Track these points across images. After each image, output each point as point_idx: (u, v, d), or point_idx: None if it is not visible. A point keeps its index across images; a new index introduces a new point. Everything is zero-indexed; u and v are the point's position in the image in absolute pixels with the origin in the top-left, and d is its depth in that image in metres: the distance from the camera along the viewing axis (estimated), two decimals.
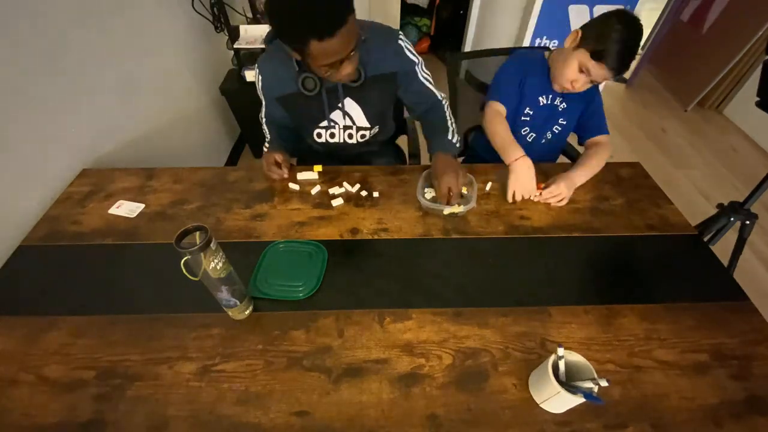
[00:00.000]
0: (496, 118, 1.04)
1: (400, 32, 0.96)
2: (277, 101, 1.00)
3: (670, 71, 3.06)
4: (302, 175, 1.00)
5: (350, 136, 1.07)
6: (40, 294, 0.76)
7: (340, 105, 0.99)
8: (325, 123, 1.04)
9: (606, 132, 1.07)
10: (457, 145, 1.00)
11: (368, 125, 1.05)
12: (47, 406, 0.60)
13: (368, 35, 0.87)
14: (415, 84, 1.01)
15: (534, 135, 1.14)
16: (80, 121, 1.10)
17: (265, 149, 1.06)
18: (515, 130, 1.10)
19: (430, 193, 0.95)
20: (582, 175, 0.98)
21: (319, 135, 1.07)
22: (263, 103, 1.05)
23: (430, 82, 1.04)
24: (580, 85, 0.96)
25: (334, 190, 0.97)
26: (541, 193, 0.94)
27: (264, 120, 1.09)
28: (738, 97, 2.66)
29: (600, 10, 2.33)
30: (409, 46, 0.96)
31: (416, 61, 0.98)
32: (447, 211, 0.89)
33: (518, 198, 0.95)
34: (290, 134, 1.10)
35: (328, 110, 1.00)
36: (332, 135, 1.07)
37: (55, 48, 1.01)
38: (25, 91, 0.94)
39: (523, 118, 1.11)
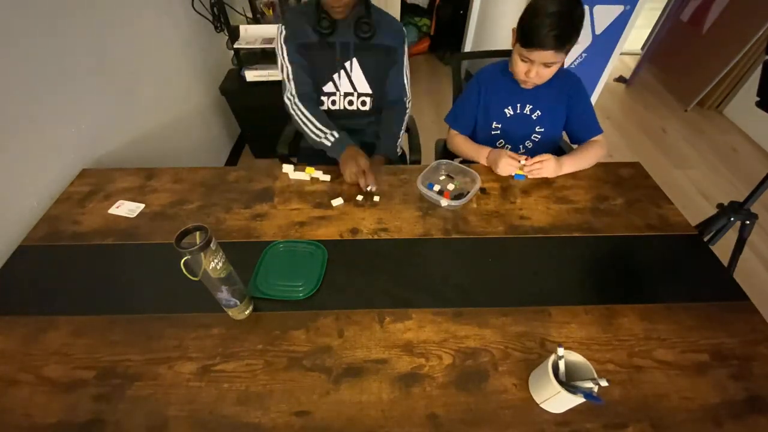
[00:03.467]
0: (454, 139, 1.16)
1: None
2: (299, 48, 1.08)
3: (670, 71, 3.06)
4: (294, 175, 1.01)
5: (350, 102, 1.17)
6: (40, 294, 0.76)
7: (347, 64, 1.10)
8: (327, 88, 1.14)
9: (599, 131, 1.06)
10: (398, 152, 1.19)
11: (369, 90, 1.15)
12: (47, 406, 0.60)
13: (379, 15, 1.08)
14: (399, 75, 1.16)
15: (509, 147, 1.15)
16: (80, 121, 1.10)
17: (327, 142, 1.05)
18: (492, 145, 1.12)
19: (437, 187, 0.98)
20: (569, 162, 1.00)
21: (322, 103, 1.16)
22: (288, 75, 1.10)
23: (407, 80, 1.19)
24: (534, 74, 0.94)
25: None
26: (528, 163, 0.97)
27: (297, 101, 1.10)
28: (738, 97, 2.65)
29: (600, 10, 2.32)
30: (407, 41, 1.13)
31: (406, 53, 1.15)
32: (444, 203, 0.91)
33: (507, 171, 0.99)
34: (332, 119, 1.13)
35: (338, 64, 1.10)
36: (333, 102, 1.17)
37: (55, 48, 1.01)
38: (24, 91, 0.94)
39: (493, 132, 1.13)
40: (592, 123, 1.07)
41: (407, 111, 1.22)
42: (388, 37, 1.10)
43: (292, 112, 1.12)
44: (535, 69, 0.93)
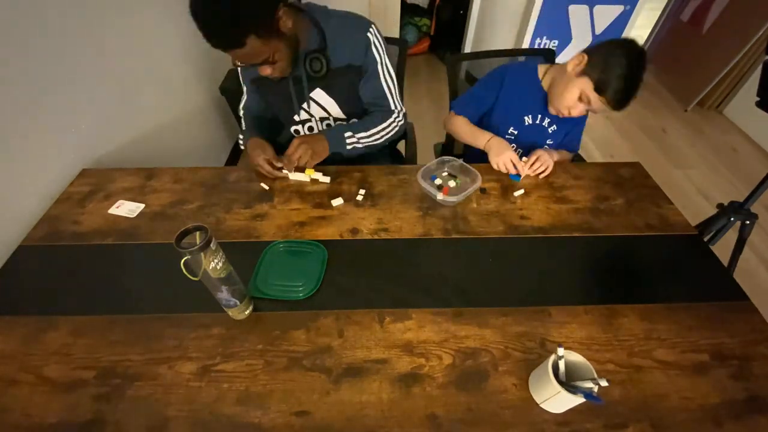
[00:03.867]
0: (454, 120, 1.10)
1: (373, 26, 0.94)
2: (252, 83, 1.02)
3: (670, 71, 3.06)
4: (294, 176, 1.00)
5: (329, 126, 1.07)
6: (40, 294, 0.76)
7: (310, 96, 0.99)
8: (298, 117, 1.04)
9: (576, 150, 1.16)
10: (348, 147, 1.00)
11: (343, 116, 1.05)
12: (47, 406, 0.60)
13: (337, 27, 0.91)
14: (373, 82, 0.99)
15: (521, 151, 1.14)
16: (80, 121, 1.10)
17: (240, 141, 1.06)
18: None
19: (438, 181, 0.99)
20: (556, 156, 1.03)
21: (297, 132, 1.08)
22: (244, 91, 1.07)
23: (391, 89, 1.02)
24: (578, 112, 0.95)
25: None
26: (528, 166, 0.98)
27: (242, 112, 1.10)
28: (738, 97, 2.66)
29: (600, 10, 2.33)
30: (377, 42, 0.95)
31: (379, 60, 0.96)
32: (440, 197, 0.91)
33: (503, 168, 0.99)
34: (267, 125, 1.09)
35: (297, 101, 1.00)
36: (310, 129, 1.08)
37: (55, 48, 1.01)
38: (24, 91, 0.94)
39: (507, 137, 1.11)
40: (577, 142, 1.15)
41: (395, 119, 1.05)
42: (348, 54, 0.94)
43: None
44: (583, 108, 0.93)
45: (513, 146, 1.12)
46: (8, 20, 0.89)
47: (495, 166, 1.00)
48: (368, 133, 1.01)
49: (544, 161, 0.98)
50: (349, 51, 0.93)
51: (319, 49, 0.90)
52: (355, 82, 0.99)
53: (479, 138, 1.04)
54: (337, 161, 1.02)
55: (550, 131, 1.08)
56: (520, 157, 1.01)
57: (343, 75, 0.96)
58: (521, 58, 1.33)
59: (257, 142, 0.98)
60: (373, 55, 0.95)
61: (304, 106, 1.02)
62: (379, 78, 0.99)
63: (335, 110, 1.03)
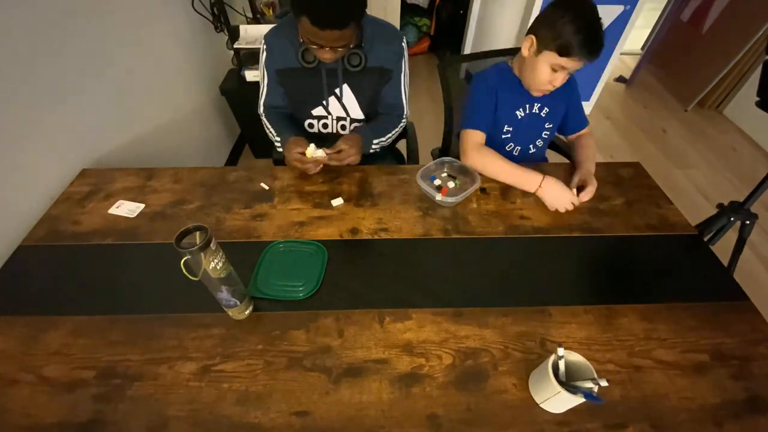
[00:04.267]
0: (485, 156, 0.99)
1: (405, 37, 1.02)
2: (277, 74, 1.03)
3: (670, 71, 3.06)
4: (316, 153, 0.95)
5: (343, 127, 1.10)
6: (40, 294, 0.76)
7: (337, 90, 1.03)
8: (317, 111, 1.06)
9: (587, 122, 1.12)
10: (370, 150, 1.06)
11: (361, 116, 1.08)
12: (47, 406, 0.60)
13: (375, 30, 0.98)
14: (396, 87, 1.08)
15: (519, 148, 1.14)
16: (80, 121, 1.10)
17: (277, 144, 1.06)
18: (501, 150, 1.05)
19: (438, 182, 0.99)
20: (594, 165, 1.01)
21: (311, 125, 1.09)
22: (264, 87, 1.08)
23: (406, 95, 1.10)
24: (560, 81, 0.93)
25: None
26: (579, 197, 0.93)
27: (263, 111, 1.10)
28: (738, 97, 2.65)
29: (600, 10, 2.32)
30: (406, 54, 1.03)
31: (404, 69, 1.06)
32: (438, 198, 0.91)
33: (564, 210, 0.93)
34: (290, 125, 1.10)
35: (327, 92, 1.03)
36: (325, 126, 1.10)
37: (55, 48, 1.01)
38: (24, 91, 0.94)
39: (503, 136, 1.10)
40: (583, 116, 1.12)
41: (403, 123, 1.14)
42: (383, 58, 1.01)
43: (263, 120, 1.12)
44: (563, 75, 0.92)
45: (510, 145, 1.12)
46: (8, 20, 0.89)
47: (560, 208, 0.93)
48: (386, 137, 1.09)
49: (593, 188, 0.94)
50: (384, 55, 1.01)
51: (358, 46, 0.97)
52: (381, 84, 1.06)
53: (528, 181, 0.95)
54: None
55: (543, 114, 1.07)
56: (519, 158, 1.00)
57: (373, 76, 1.02)
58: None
59: (295, 140, 0.99)
60: (402, 65, 1.04)
61: (325, 102, 1.06)
62: (401, 85, 1.07)
63: (355, 110, 1.07)
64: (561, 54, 0.87)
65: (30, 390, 0.62)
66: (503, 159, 0.98)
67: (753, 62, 2.46)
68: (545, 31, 0.88)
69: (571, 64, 0.88)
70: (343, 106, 1.06)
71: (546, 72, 0.92)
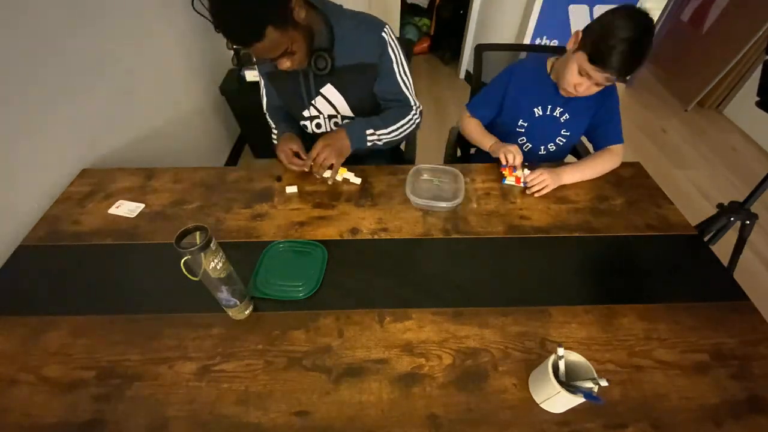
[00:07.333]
0: (468, 123, 1.14)
1: (387, 26, 0.96)
2: (267, 77, 1.03)
3: (670, 71, 3.06)
4: (326, 174, 0.97)
5: (336, 125, 1.08)
6: (40, 294, 0.76)
7: (322, 90, 1.00)
8: (307, 113, 1.05)
9: (618, 140, 1.02)
10: (368, 143, 1.00)
11: (351, 114, 1.05)
12: (47, 406, 0.60)
13: (347, 27, 0.92)
14: (389, 80, 1.01)
15: (530, 146, 1.14)
16: (80, 121, 1.10)
17: (274, 139, 1.06)
18: (512, 142, 1.05)
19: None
20: (571, 174, 0.98)
21: (305, 127, 1.09)
22: (262, 89, 1.08)
23: (407, 86, 1.04)
24: (584, 89, 0.91)
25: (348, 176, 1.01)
26: (530, 176, 0.96)
27: (266, 111, 1.11)
28: (738, 97, 2.65)
29: (600, 10, 2.32)
30: (393, 42, 0.96)
31: (394, 59, 0.98)
32: (443, 204, 0.91)
33: (510, 158, 0.96)
34: (290, 123, 1.10)
35: (306, 96, 1.01)
36: (318, 126, 1.08)
37: (55, 48, 1.01)
38: (24, 91, 0.94)
39: (518, 129, 1.11)
40: (614, 130, 1.04)
41: (412, 116, 1.06)
42: (360, 53, 0.94)
43: (267, 119, 1.13)
44: (588, 84, 0.90)
45: (523, 139, 1.13)
46: (7, 20, 0.89)
47: (502, 157, 0.97)
48: (388, 129, 1.02)
49: (543, 179, 0.94)
50: (361, 50, 0.94)
51: (324, 48, 0.91)
52: (368, 80, 1.00)
53: (485, 142, 1.08)
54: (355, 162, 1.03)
55: (563, 120, 1.05)
56: (529, 155, 1.00)
57: (354, 73, 0.97)
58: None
59: (288, 136, 1.00)
60: (389, 54, 0.97)
61: (313, 102, 1.03)
62: (396, 76, 1.00)
63: (343, 107, 1.04)
64: (591, 60, 0.85)
65: (30, 390, 0.62)
66: (476, 124, 1.13)
67: (753, 62, 2.46)
68: (592, 32, 0.86)
69: (598, 75, 0.86)
70: (332, 105, 1.04)
71: (573, 72, 0.90)
